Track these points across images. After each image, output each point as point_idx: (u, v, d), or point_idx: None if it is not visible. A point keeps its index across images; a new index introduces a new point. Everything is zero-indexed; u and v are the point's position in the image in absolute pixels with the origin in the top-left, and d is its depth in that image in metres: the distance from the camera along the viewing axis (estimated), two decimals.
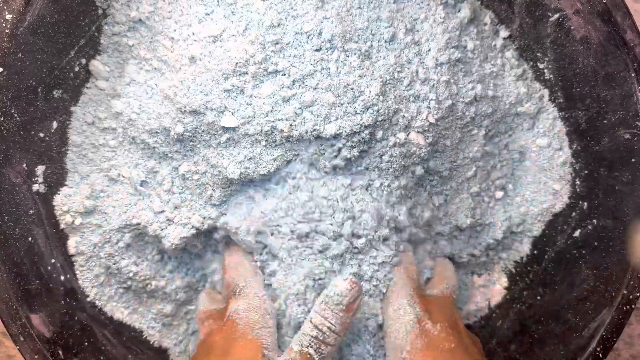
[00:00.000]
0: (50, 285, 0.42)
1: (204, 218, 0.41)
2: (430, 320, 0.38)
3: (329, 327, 0.36)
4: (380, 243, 0.39)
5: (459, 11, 0.44)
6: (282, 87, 0.38)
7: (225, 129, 0.38)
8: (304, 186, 0.39)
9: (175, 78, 0.40)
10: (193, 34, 0.40)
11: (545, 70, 0.46)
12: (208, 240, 0.44)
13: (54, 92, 0.42)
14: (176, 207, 0.42)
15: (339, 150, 0.39)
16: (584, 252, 0.44)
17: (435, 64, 0.41)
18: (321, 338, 0.36)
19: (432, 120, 0.40)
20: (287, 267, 0.39)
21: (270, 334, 0.38)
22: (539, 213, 0.47)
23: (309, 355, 0.36)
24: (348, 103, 0.38)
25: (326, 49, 0.38)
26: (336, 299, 0.36)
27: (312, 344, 0.36)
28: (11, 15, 0.39)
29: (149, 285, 0.45)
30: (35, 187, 0.42)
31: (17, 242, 0.41)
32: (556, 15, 0.43)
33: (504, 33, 0.45)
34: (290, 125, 0.38)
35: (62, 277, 0.43)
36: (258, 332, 0.37)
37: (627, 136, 0.42)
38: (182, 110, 0.39)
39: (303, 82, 0.38)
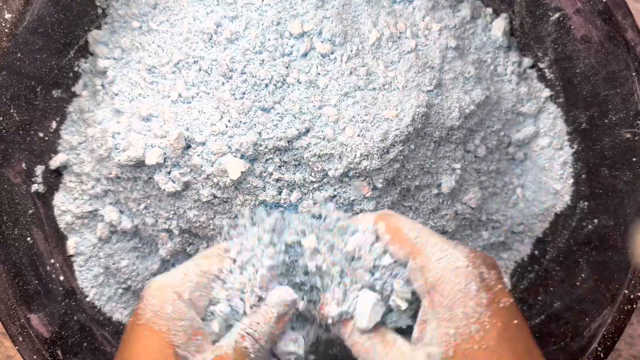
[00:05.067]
0: (50, 285, 0.42)
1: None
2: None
3: (257, 336, 0.33)
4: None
5: (459, 11, 0.44)
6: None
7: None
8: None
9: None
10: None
11: (546, 70, 0.45)
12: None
13: (53, 92, 0.42)
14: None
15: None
16: (585, 251, 0.44)
17: (435, 63, 0.41)
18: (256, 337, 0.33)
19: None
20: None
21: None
22: (540, 213, 0.47)
23: (245, 349, 0.33)
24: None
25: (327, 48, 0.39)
26: (269, 308, 0.34)
27: (251, 341, 0.33)
28: (11, 15, 0.39)
29: None
30: (34, 187, 0.42)
31: (16, 243, 0.41)
32: (557, 15, 0.43)
33: (504, 34, 0.45)
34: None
35: (62, 277, 0.43)
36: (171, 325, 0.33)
37: (628, 136, 0.42)
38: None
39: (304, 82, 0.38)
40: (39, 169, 0.42)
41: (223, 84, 0.39)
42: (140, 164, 0.39)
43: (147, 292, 0.34)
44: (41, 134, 0.42)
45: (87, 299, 0.44)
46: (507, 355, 0.30)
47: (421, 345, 0.31)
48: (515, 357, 0.30)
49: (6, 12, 0.39)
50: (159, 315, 0.33)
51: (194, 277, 0.34)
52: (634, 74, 0.41)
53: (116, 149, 0.39)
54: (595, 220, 0.44)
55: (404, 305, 0.33)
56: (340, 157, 0.38)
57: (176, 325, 0.32)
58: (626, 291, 0.41)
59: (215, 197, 0.39)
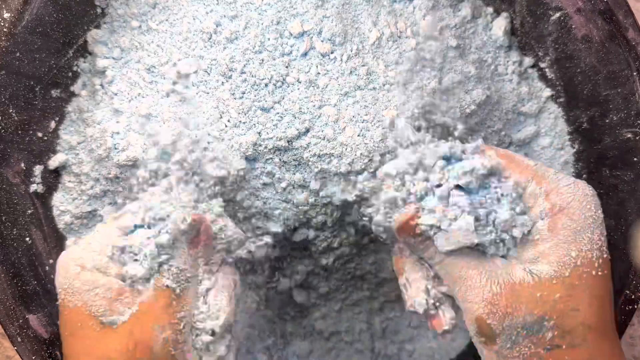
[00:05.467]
0: (48, 286, 0.42)
1: None
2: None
3: (175, 270, 0.32)
4: None
5: (460, 10, 0.44)
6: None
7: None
8: None
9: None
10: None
11: (547, 70, 0.45)
12: None
13: (52, 92, 0.42)
14: None
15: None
16: None
17: (435, 63, 0.41)
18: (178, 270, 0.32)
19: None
20: None
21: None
22: None
23: (166, 287, 0.31)
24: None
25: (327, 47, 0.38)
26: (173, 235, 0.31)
27: (169, 275, 0.31)
28: (9, 14, 0.39)
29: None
30: (33, 187, 0.42)
31: (15, 243, 0.41)
32: (557, 14, 0.43)
33: (505, 33, 0.45)
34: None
35: None
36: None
37: (629, 135, 0.41)
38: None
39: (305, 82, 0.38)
40: (38, 169, 0.42)
41: (222, 83, 0.39)
42: (139, 164, 0.39)
43: (56, 272, 0.32)
44: (40, 134, 0.42)
45: None
46: (610, 287, 0.31)
47: (517, 263, 0.31)
48: (610, 293, 0.32)
49: (5, 12, 0.39)
50: (69, 292, 0.31)
51: (96, 244, 0.33)
52: (635, 73, 0.41)
53: (115, 148, 0.39)
54: None
55: (525, 230, 0.32)
56: (340, 157, 0.38)
57: (90, 295, 0.31)
58: (627, 292, 0.41)
59: None
